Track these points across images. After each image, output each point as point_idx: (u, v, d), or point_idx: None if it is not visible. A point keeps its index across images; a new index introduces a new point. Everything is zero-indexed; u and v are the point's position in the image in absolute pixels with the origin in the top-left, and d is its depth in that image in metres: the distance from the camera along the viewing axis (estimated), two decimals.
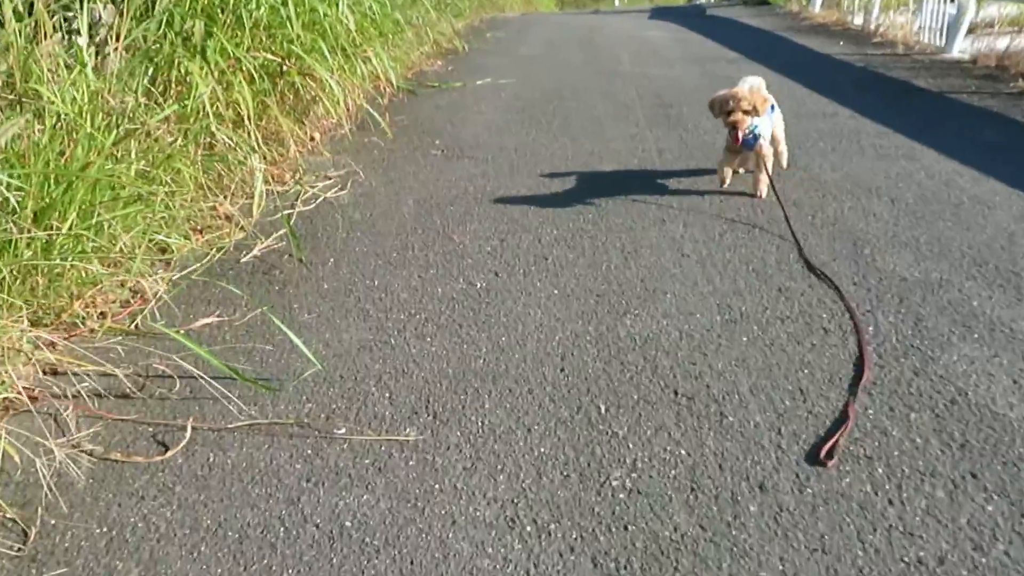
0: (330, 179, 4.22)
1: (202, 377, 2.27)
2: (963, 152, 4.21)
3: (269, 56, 3.76)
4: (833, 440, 1.87)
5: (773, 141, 3.72)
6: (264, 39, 3.83)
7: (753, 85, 3.62)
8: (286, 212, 3.69)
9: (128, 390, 2.22)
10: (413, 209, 3.74)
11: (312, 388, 2.25)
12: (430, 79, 7.13)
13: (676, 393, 2.14)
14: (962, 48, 7.74)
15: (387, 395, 2.20)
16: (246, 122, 3.63)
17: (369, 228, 3.50)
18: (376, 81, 5.19)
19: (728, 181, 3.75)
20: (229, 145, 3.64)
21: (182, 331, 2.57)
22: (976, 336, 2.34)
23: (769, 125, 3.60)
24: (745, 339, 2.41)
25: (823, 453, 1.83)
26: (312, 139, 4.77)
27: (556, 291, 2.81)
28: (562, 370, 2.29)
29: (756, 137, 3.46)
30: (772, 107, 3.64)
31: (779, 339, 2.40)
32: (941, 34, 8.61)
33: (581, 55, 8.56)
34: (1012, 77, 6.27)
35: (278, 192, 3.96)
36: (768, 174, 3.54)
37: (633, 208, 3.62)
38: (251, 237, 3.40)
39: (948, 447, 1.86)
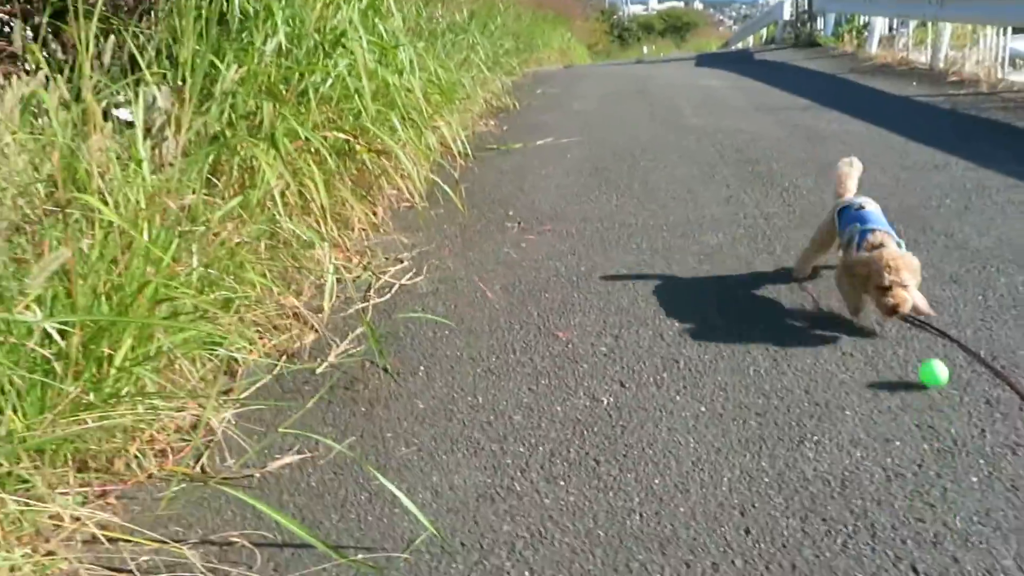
0: (403, 262, 3.79)
1: (288, 546, 1.81)
2: None
3: (339, 135, 3.37)
4: None
5: None
6: (332, 115, 3.45)
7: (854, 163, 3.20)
8: (361, 306, 3.25)
9: (199, 574, 1.75)
10: (502, 298, 3.28)
11: (430, 564, 1.76)
12: (487, 141, 6.76)
13: (916, 571, 1.61)
14: None
15: None
16: (314, 208, 3.23)
17: (457, 324, 3.04)
18: (443, 149, 4.80)
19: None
20: (295, 233, 3.23)
21: (257, 476, 2.11)
22: None
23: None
24: (976, 479, 1.88)
25: None
26: (375, 214, 4.38)
27: (703, 408, 2.30)
28: (747, 532, 1.78)
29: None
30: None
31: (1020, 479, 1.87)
32: (1002, 66, 8.14)
33: (639, 108, 8.16)
34: None
35: (348, 280, 3.53)
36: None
37: (760, 291, 3.12)
38: (324, 339, 2.96)
39: None
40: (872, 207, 2.90)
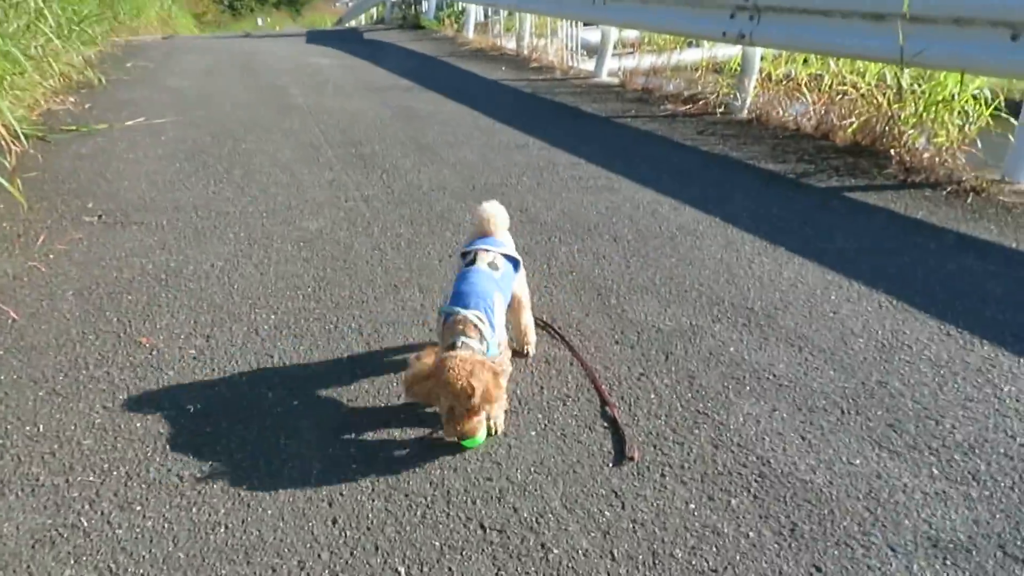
0: None
1: None
2: (653, 179, 4.41)
3: None
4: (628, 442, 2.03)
5: (515, 328, 2.45)
6: None
7: (494, 213, 2.38)
8: None
9: None
10: (75, 305, 2.91)
11: None
12: (63, 121, 5.93)
13: (484, 528, 1.78)
14: (611, 70, 8.41)
15: None
16: None
17: (15, 343, 2.63)
18: None
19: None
20: None
21: None
22: (748, 389, 2.31)
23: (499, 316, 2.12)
24: (534, 433, 2.12)
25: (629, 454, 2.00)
26: None
27: (296, 401, 2.28)
28: (335, 522, 1.80)
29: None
30: (516, 263, 2.33)
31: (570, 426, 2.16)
32: (575, 54, 9.48)
33: (245, 86, 7.80)
34: (658, 100, 6.89)
35: None
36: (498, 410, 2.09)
37: (357, 271, 3.18)
38: None
39: (782, 537, 1.74)
40: (483, 263, 2.20)
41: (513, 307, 2.36)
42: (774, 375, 2.37)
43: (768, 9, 5.84)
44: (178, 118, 6.15)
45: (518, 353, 2.47)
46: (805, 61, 6.19)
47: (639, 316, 2.77)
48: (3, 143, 4.06)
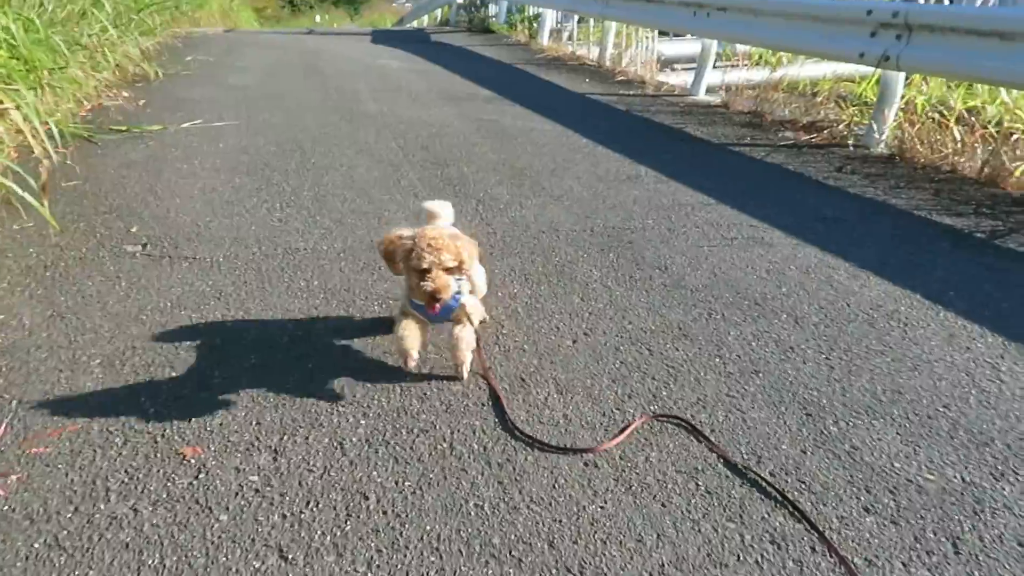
0: None
1: None
2: (808, 231, 3.58)
3: None
4: None
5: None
6: None
7: (442, 212, 2.47)
8: None
9: None
10: (103, 381, 2.19)
11: None
12: (114, 119, 5.30)
13: None
14: (709, 85, 7.58)
15: None
16: None
17: (22, 430, 1.91)
18: (21, 140, 3.41)
19: (416, 360, 2.18)
20: None
21: None
22: None
23: (479, 273, 2.55)
24: None
25: None
26: None
27: None
28: None
29: (456, 302, 2.19)
30: None
31: None
32: (653, 67, 8.66)
33: (311, 88, 7.13)
34: (772, 126, 6.06)
35: None
36: (475, 345, 2.23)
37: None
38: None
39: None
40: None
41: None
42: None
43: (923, 28, 4.96)
44: (239, 122, 5.49)
45: None
46: (969, 88, 5.30)
47: (879, 459, 1.95)
48: (36, 150, 3.37)
